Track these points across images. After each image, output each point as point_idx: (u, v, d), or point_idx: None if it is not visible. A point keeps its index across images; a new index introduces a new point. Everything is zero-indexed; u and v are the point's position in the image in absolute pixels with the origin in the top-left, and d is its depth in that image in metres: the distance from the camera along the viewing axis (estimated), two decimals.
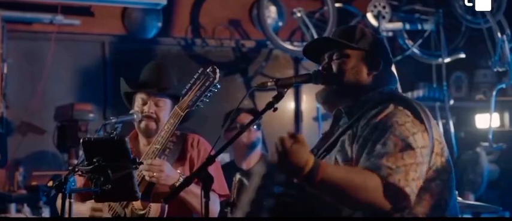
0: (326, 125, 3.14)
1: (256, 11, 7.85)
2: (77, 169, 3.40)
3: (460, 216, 3.04)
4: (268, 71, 8.27)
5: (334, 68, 3.04)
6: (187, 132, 4.21)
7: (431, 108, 7.54)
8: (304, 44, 3.24)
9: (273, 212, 2.72)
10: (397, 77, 3.19)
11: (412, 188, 2.68)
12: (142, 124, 4.05)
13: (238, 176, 2.99)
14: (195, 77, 3.80)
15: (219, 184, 4.00)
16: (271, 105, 2.92)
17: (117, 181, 3.32)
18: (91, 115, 6.99)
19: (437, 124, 7.44)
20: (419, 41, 7.98)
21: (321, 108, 3.46)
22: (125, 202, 3.89)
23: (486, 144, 7.41)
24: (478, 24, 7.31)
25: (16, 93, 7.22)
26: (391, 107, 2.84)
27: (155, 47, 7.97)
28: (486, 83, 8.15)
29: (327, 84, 3.04)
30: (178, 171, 3.90)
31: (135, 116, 4.02)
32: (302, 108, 8.36)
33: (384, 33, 7.77)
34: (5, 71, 6.93)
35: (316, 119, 8.09)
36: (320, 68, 3.08)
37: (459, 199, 3.92)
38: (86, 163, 3.36)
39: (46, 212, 6.57)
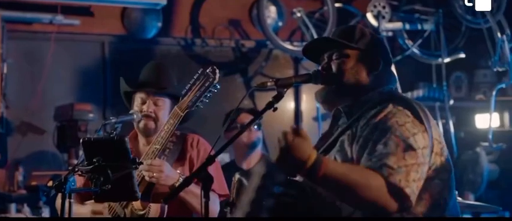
0: (326, 125, 3.14)
1: (256, 11, 7.85)
2: (76, 169, 3.40)
3: (460, 216, 3.04)
4: (268, 71, 8.28)
5: (333, 68, 3.03)
6: (187, 132, 4.21)
7: (431, 108, 7.55)
8: (304, 44, 3.24)
9: (273, 212, 2.72)
10: (396, 77, 3.19)
11: (412, 188, 2.68)
12: (141, 123, 4.05)
13: (237, 176, 2.99)
14: (195, 77, 3.80)
15: (219, 184, 4.00)
16: (271, 105, 2.92)
17: (117, 181, 3.32)
18: (91, 115, 6.99)
19: (437, 124, 7.47)
20: (419, 41, 7.99)
21: (320, 108, 3.46)
22: (125, 202, 3.89)
23: (486, 144, 7.42)
24: (478, 24, 7.31)
25: (16, 93, 7.22)
26: (390, 107, 2.84)
27: (155, 47, 7.97)
28: (486, 83, 8.15)
29: (327, 84, 3.04)
30: (178, 171, 3.90)
31: (134, 116, 4.02)
32: (302, 108, 8.36)
33: (384, 33, 7.77)
34: (5, 71, 6.93)
35: (316, 119, 8.09)
36: (320, 68, 3.08)
37: (459, 199, 3.92)
38: (85, 163, 3.36)
39: (46, 212, 6.57)
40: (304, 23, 7.83)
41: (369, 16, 7.80)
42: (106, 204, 3.95)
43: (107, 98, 7.63)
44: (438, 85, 7.92)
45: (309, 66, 8.03)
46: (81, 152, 3.51)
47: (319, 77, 3.03)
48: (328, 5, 7.82)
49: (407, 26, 7.96)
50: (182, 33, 8.00)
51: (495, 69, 7.12)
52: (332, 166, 2.68)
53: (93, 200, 3.87)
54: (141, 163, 3.56)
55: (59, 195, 3.81)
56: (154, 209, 3.81)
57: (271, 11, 7.98)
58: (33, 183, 6.92)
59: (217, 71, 3.78)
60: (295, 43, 8.06)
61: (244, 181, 2.91)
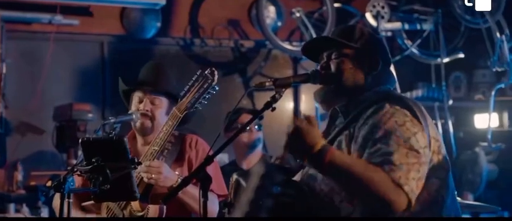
0: (325, 125, 3.14)
1: (255, 11, 7.85)
2: (75, 169, 3.40)
3: (460, 213, 3.04)
4: (267, 71, 8.28)
5: (332, 67, 3.03)
6: (185, 132, 4.21)
7: (430, 108, 7.55)
8: (303, 43, 3.24)
9: (272, 212, 2.72)
10: (395, 77, 3.19)
11: (411, 186, 2.68)
12: (138, 122, 4.05)
13: (235, 176, 3.00)
14: (194, 79, 3.80)
15: (218, 184, 4.00)
16: (269, 105, 2.93)
17: (116, 181, 3.32)
18: (90, 115, 6.99)
19: (436, 124, 7.46)
20: (418, 41, 7.99)
21: (319, 108, 3.46)
22: (123, 204, 3.89)
23: (485, 144, 7.42)
24: (477, 24, 7.32)
25: (15, 93, 7.22)
26: (387, 106, 2.84)
27: (154, 47, 7.97)
28: (485, 83, 8.15)
29: (325, 84, 3.04)
30: (177, 172, 3.90)
31: (134, 116, 4.02)
32: (301, 108, 8.36)
33: (383, 33, 7.77)
34: (4, 71, 6.92)
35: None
36: (318, 67, 3.09)
37: (458, 199, 3.92)
38: (84, 163, 3.36)
39: (45, 212, 6.57)
40: (303, 23, 7.83)
41: (368, 16, 7.80)
42: (104, 205, 3.96)
43: (106, 98, 7.62)
44: (437, 85, 7.92)
45: (307, 66, 8.03)
46: (80, 152, 3.51)
47: (317, 76, 3.03)
48: (327, 5, 7.82)
49: (407, 26, 7.96)
50: (181, 33, 8.00)
51: (494, 69, 7.12)
52: (338, 155, 2.72)
53: (91, 201, 3.89)
54: (140, 163, 3.55)
55: (56, 195, 3.82)
56: (153, 210, 3.80)
57: (270, 11, 7.98)
58: (32, 183, 6.92)
59: (216, 72, 3.79)
60: (294, 43, 8.06)
61: (242, 181, 2.91)
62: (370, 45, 3.07)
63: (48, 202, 6.29)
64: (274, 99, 2.94)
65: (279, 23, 8.12)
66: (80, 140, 3.43)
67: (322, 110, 3.18)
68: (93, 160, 3.30)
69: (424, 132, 2.79)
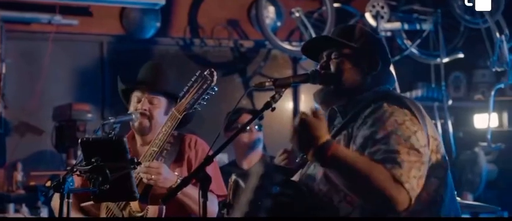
0: None
1: (255, 11, 7.85)
2: (75, 169, 3.39)
3: (459, 212, 3.04)
4: (267, 71, 8.27)
5: (332, 67, 3.04)
6: (184, 132, 4.21)
7: (429, 108, 7.56)
8: (302, 44, 3.24)
9: (271, 212, 2.72)
10: (395, 78, 3.19)
11: (412, 184, 2.68)
12: (136, 122, 4.05)
13: (233, 177, 3.00)
14: (193, 80, 3.80)
15: (217, 184, 4.00)
16: (269, 105, 2.93)
17: (116, 181, 3.32)
18: (89, 115, 6.99)
19: (436, 123, 7.45)
20: (418, 41, 7.98)
21: (319, 108, 3.46)
22: (123, 204, 3.89)
23: (485, 144, 7.42)
24: (477, 24, 7.31)
25: (14, 94, 7.21)
26: (385, 106, 2.84)
27: (153, 47, 7.97)
28: (485, 83, 8.15)
29: (325, 84, 3.04)
30: (176, 173, 3.90)
31: (133, 116, 4.02)
32: (300, 108, 8.36)
33: (383, 33, 7.77)
34: (4, 71, 6.92)
35: None
36: (318, 66, 3.09)
37: (458, 199, 3.92)
38: (84, 163, 3.35)
39: (44, 213, 6.57)
40: (302, 23, 7.83)
41: (368, 16, 7.80)
42: (104, 205, 3.95)
43: (105, 98, 7.62)
44: (437, 85, 7.92)
45: (307, 66, 8.04)
46: (79, 152, 3.51)
47: (317, 77, 3.03)
48: (326, 5, 7.82)
49: (406, 26, 7.96)
50: (181, 34, 7.99)
51: (494, 70, 7.12)
52: (341, 150, 2.72)
53: (90, 202, 3.88)
54: (140, 163, 3.55)
55: (56, 196, 3.82)
56: (152, 210, 3.80)
57: (270, 11, 7.98)
58: (32, 183, 6.92)
59: (215, 73, 3.79)
60: (294, 43, 8.06)
61: (241, 182, 2.92)
62: (370, 45, 3.08)
63: (48, 202, 6.29)
64: (273, 100, 2.94)
65: (279, 23, 8.12)
66: (79, 140, 3.44)
67: (321, 110, 3.17)
68: (93, 160, 3.30)
69: (423, 131, 2.80)
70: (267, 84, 2.98)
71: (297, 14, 7.82)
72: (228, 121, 5.53)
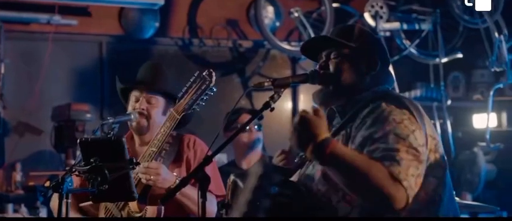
0: None
1: (254, 11, 7.85)
2: (74, 169, 3.39)
3: (458, 212, 3.03)
4: (266, 71, 8.27)
5: (331, 67, 3.04)
6: (183, 133, 4.21)
7: (428, 108, 7.56)
8: (301, 44, 3.25)
9: (270, 212, 2.72)
10: (394, 78, 3.18)
11: (410, 183, 2.67)
12: (134, 122, 4.05)
13: (232, 177, 3.00)
14: (191, 80, 3.81)
15: (216, 184, 4.00)
16: (268, 106, 2.93)
17: (114, 181, 3.32)
18: (88, 115, 6.99)
19: (435, 123, 7.44)
20: (417, 41, 7.98)
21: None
22: (121, 204, 3.89)
23: (483, 144, 7.42)
24: (476, 24, 7.31)
25: (13, 94, 7.21)
26: (384, 105, 2.84)
27: (152, 47, 7.97)
28: (483, 83, 8.15)
29: (324, 85, 3.04)
30: (175, 173, 3.90)
31: (132, 116, 4.02)
32: (299, 108, 8.35)
33: (382, 33, 7.77)
34: (3, 71, 6.92)
35: None
36: (317, 66, 3.09)
37: (457, 199, 3.92)
38: (83, 163, 3.35)
39: (43, 213, 6.57)
40: (301, 23, 7.83)
41: (367, 16, 7.81)
42: (103, 206, 3.95)
43: (104, 98, 7.62)
44: (436, 85, 7.92)
45: (306, 66, 8.04)
46: (78, 153, 3.51)
47: (316, 77, 3.03)
48: (325, 5, 7.82)
49: (405, 26, 7.96)
50: (180, 34, 7.99)
51: (493, 70, 7.12)
52: (340, 147, 2.71)
53: (89, 202, 3.88)
54: (139, 164, 3.55)
55: (55, 196, 3.81)
56: (151, 211, 3.80)
57: (269, 11, 7.98)
58: (31, 183, 6.92)
59: (213, 74, 3.79)
60: (293, 43, 8.06)
61: (239, 182, 2.91)
62: (369, 45, 3.08)
63: (47, 202, 6.29)
64: (272, 100, 2.94)
65: (278, 23, 8.12)
66: (78, 141, 3.44)
67: (322, 109, 3.17)
68: (92, 160, 3.30)
69: (421, 130, 2.80)
70: (266, 84, 2.98)
71: (296, 14, 7.82)
72: (227, 121, 5.54)
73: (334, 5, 7.90)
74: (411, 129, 2.76)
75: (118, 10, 7.70)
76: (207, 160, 2.86)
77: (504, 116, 7.74)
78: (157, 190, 3.82)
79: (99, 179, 3.28)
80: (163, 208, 3.79)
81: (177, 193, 3.22)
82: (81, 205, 3.99)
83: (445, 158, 2.94)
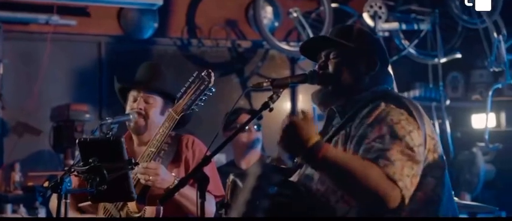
0: (321, 126, 3.14)
1: (253, 11, 7.85)
2: (72, 170, 3.39)
3: (457, 212, 3.03)
4: (265, 71, 8.27)
5: (330, 67, 3.04)
6: (182, 133, 4.21)
7: (427, 108, 7.56)
8: (301, 44, 3.25)
9: (268, 212, 2.72)
10: (393, 78, 3.19)
11: (405, 183, 2.67)
12: (132, 122, 4.05)
13: (232, 177, 3.00)
14: (190, 80, 3.81)
15: (215, 184, 4.00)
16: (266, 106, 2.93)
17: (113, 182, 3.32)
18: (87, 116, 6.98)
19: (434, 124, 7.43)
20: (416, 41, 7.98)
21: (317, 108, 3.48)
22: (120, 205, 3.88)
23: (482, 144, 7.42)
24: (474, 25, 7.32)
25: (12, 94, 7.21)
26: (383, 105, 2.84)
27: (151, 47, 7.96)
28: (482, 83, 8.15)
29: (323, 85, 3.04)
30: (173, 174, 3.90)
31: (131, 116, 4.02)
32: (298, 108, 8.35)
33: (380, 34, 7.77)
34: (1, 71, 6.92)
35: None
36: (316, 66, 3.09)
37: (455, 199, 3.92)
38: (81, 163, 3.35)
39: (42, 213, 6.57)
40: (300, 23, 7.83)
41: (365, 16, 7.81)
42: (101, 206, 3.95)
43: (103, 99, 7.62)
44: (434, 85, 7.92)
45: (305, 66, 8.04)
46: (77, 153, 3.51)
47: (315, 77, 3.03)
48: (324, 5, 7.82)
49: (404, 26, 7.97)
50: (178, 34, 7.99)
51: (491, 70, 7.12)
52: (332, 151, 2.71)
53: (88, 202, 3.88)
54: (137, 164, 3.55)
55: (53, 196, 3.81)
56: (149, 211, 3.80)
57: (268, 11, 7.98)
58: (30, 184, 6.91)
59: (212, 74, 3.79)
60: (292, 43, 8.06)
61: (239, 182, 2.91)
62: (368, 45, 3.08)
63: (46, 203, 6.28)
64: (271, 100, 2.94)
65: (276, 23, 8.12)
66: (77, 141, 3.43)
67: (319, 111, 3.17)
68: (90, 160, 3.30)
69: (419, 130, 2.79)
70: (264, 84, 2.99)
71: (295, 14, 7.82)
72: (226, 121, 5.53)
73: (333, 5, 7.90)
74: (408, 129, 2.76)
75: (117, 10, 7.70)
76: (206, 160, 2.86)
77: (503, 116, 7.74)
78: (156, 190, 3.82)
79: (97, 179, 3.28)
80: (162, 208, 3.79)
81: (176, 194, 3.21)
82: (80, 205, 3.98)
83: (444, 158, 2.94)
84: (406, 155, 2.70)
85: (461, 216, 4.80)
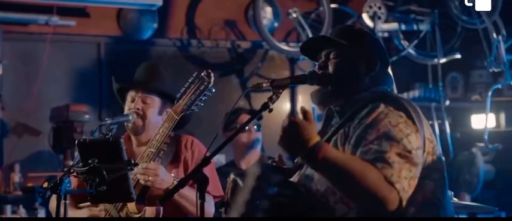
0: (321, 126, 3.14)
1: (252, 12, 7.85)
2: (72, 170, 3.39)
3: (454, 216, 3.03)
4: (264, 71, 8.27)
5: (330, 67, 3.03)
6: (181, 133, 4.21)
7: (427, 109, 7.56)
8: (300, 44, 3.25)
9: (268, 212, 2.72)
10: (393, 79, 3.18)
11: (402, 185, 2.67)
12: (131, 122, 4.04)
13: (232, 176, 2.99)
14: (190, 81, 3.81)
15: (214, 185, 3.99)
16: (266, 106, 2.93)
17: (113, 182, 3.32)
18: (86, 116, 6.98)
19: (433, 124, 7.43)
20: (415, 42, 7.99)
21: (316, 108, 3.48)
22: (120, 205, 3.88)
23: (482, 144, 7.42)
24: (474, 25, 7.32)
25: (11, 95, 7.21)
26: (382, 106, 2.83)
27: (151, 48, 7.96)
28: (482, 84, 8.16)
29: (323, 85, 3.03)
30: (172, 174, 3.90)
31: (130, 117, 4.01)
32: (298, 109, 8.32)
33: (380, 34, 7.78)
34: (1, 72, 6.92)
35: None
36: (316, 66, 3.09)
37: (455, 199, 3.92)
38: (81, 164, 3.35)
39: (41, 214, 6.57)
40: (300, 23, 7.83)
41: (365, 17, 7.81)
42: (101, 207, 3.95)
43: (102, 99, 7.61)
44: (434, 86, 7.93)
45: (305, 67, 8.04)
46: (76, 154, 3.51)
47: (314, 78, 3.03)
48: (324, 6, 7.82)
49: (403, 27, 7.97)
50: (178, 34, 7.99)
51: (491, 70, 7.12)
52: (332, 151, 2.71)
53: (87, 203, 3.88)
54: (137, 165, 3.55)
55: (53, 197, 3.81)
56: (149, 212, 3.79)
57: (267, 12, 7.98)
58: (29, 184, 6.92)
59: (212, 74, 3.79)
60: (291, 44, 8.06)
61: (239, 181, 2.91)
62: (368, 45, 3.08)
63: (45, 203, 6.29)
64: (271, 101, 2.94)
65: (276, 24, 8.12)
66: (76, 142, 3.43)
67: (319, 110, 3.17)
68: (90, 161, 3.30)
69: (418, 133, 2.79)
70: (264, 85, 2.98)
71: (294, 15, 7.82)
72: (226, 121, 5.53)
73: (333, 5, 7.90)
74: (406, 132, 2.75)
75: (116, 11, 7.70)
76: (206, 160, 2.85)
77: (502, 116, 7.75)
78: (155, 191, 3.82)
79: (97, 180, 3.28)
80: (162, 208, 3.79)
81: (175, 194, 3.21)
82: (80, 205, 3.98)
83: (443, 160, 2.93)
84: (404, 157, 2.70)
85: (461, 216, 4.80)
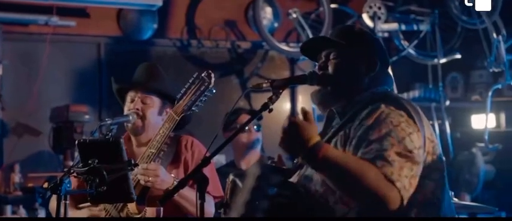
0: (322, 126, 3.14)
1: (252, 12, 7.85)
2: (72, 171, 3.39)
3: (454, 215, 3.03)
4: (264, 72, 8.28)
5: (330, 67, 3.03)
6: (181, 134, 4.20)
7: (427, 109, 7.57)
8: (300, 45, 3.25)
9: (268, 213, 2.72)
10: (393, 79, 3.18)
11: (403, 183, 2.67)
12: (131, 123, 4.04)
13: (231, 176, 2.99)
14: (190, 81, 3.80)
15: (214, 185, 3.99)
16: (266, 107, 2.93)
17: (113, 183, 3.31)
18: (86, 116, 6.98)
19: (433, 124, 7.43)
20: (415, 42, 7.99)
21: (316, 109, 3.49)
22: (120, 206, 3.87)
23: (482, 145, 7.42)
24: (474, 25, 7.32)
25: (12, 95, 7.21)
26: (383, 107, 2.83)
27: (151, 48, 7.96)
28: (482, 84, 8.16)
29: (323, 85, 3.03)
30: (172, 175, 3.89)
31: (130, 117, 4.01)
32: (298, 109, 8.35)
33: (380, 34, 7.77)
34: (1, 72, 6.92)
35: None
36: (317, 67, 3.08)
37: (455, 199, 3.92)
38: (81, 164, 3.35)
39: (42, 214, 6.56)
40: (300, 24, 7.83)
41: (365, 17, 7.81)
42: (102, 207, 3.95)
43: (102, 100, 7.61)
44: (434, 86, 7.93)
45: (304, 67, 8.04)
46: (76, 154, 3.50)
47: (314, 78, 3.03)
48: (324, 6, 7.83)
49: (403, 27, 7.98)
50: (178, 35, 7.99)
51: (491, 70, 7.13)
52: (332, 151, 2.72)
53: (87, 204, 3.88)
54: (137, 165, 3.55)
55: (53, 198, 3.81)
56: (150, 212, 3.79)
57: (267, 12, 7.98)
58: (29, 185, 6.91)
59: (212, 75, 3.79)
60: (291, 44, 8.06)
61: (239, 182, 2.91)
62: (369, 46, 3.08)
63: (45, 204, 6.28)
64: (271, 101, 2.94)
65: (276, 24, 8.12)
66: (76, 142, 3.43)
67: (319, 111, 3.17)
68: (90, 161, 3.30)
69: (419, 133, 2.79)
70: (264, 85, 2.98)
71: (294, 15, 7.82)
72: (226, 122, 5.53)
73: (333, 5, 7.90)
74: (408, 132, 2.76)
75: (116, 11, 7.70)
76: (206, 161, 2.85)
77: (502, 116, 7.75)
78: (155, 191, 3.82)
79: (97, 180, 3.27)
80: (162, 209, 3.79)
81: (176, 195, 3.21)
82: (80, 206, 3.98)
83: (443, 159, 2.93)
84: (405, 156, 2.70)
85: (461, 216, 4.80)
